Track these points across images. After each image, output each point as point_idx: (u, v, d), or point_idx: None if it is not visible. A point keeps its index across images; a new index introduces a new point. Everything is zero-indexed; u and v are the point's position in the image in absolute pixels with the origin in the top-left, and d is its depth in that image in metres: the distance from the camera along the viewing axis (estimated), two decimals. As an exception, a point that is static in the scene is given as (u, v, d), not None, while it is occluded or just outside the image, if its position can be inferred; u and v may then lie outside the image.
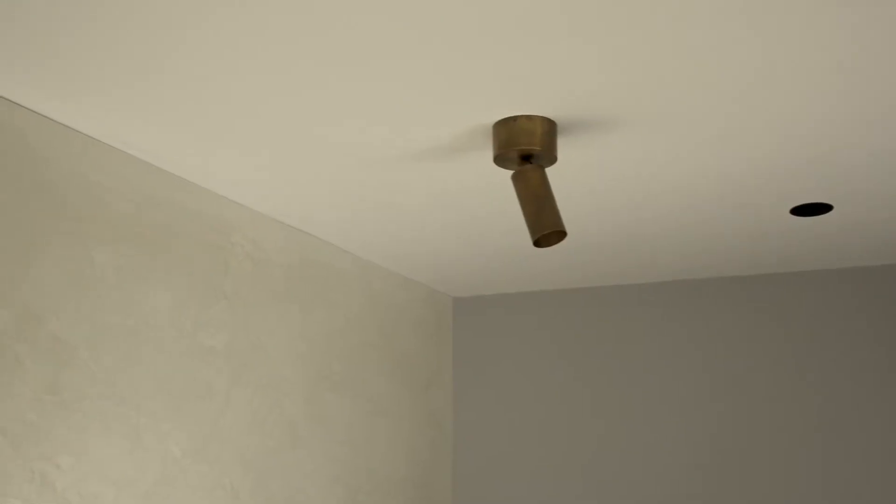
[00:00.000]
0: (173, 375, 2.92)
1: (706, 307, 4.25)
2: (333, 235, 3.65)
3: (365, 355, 3.88)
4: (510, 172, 2.95)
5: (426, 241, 3.73)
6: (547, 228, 2.58)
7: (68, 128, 2.66)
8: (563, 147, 2.74)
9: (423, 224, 3.51)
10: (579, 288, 4.46)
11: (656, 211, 3.30)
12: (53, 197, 2.60)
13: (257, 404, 3.26)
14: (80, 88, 2.45)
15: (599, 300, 4.42)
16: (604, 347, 4.38)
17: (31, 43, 2.22)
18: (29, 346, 2.48)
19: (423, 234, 3.63)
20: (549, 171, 2.92)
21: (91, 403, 2.64)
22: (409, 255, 3.93)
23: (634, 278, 4.27)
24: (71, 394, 2.58)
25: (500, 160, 2.61)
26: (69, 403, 2.57)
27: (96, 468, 2.64)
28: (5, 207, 2.47)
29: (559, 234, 2.64)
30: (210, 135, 2.72)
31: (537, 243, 2.63)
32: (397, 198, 3.23)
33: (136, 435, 2.77)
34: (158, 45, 2.21)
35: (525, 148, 2.55)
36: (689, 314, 4.27)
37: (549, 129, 2.57)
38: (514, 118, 2.55)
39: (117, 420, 2.71)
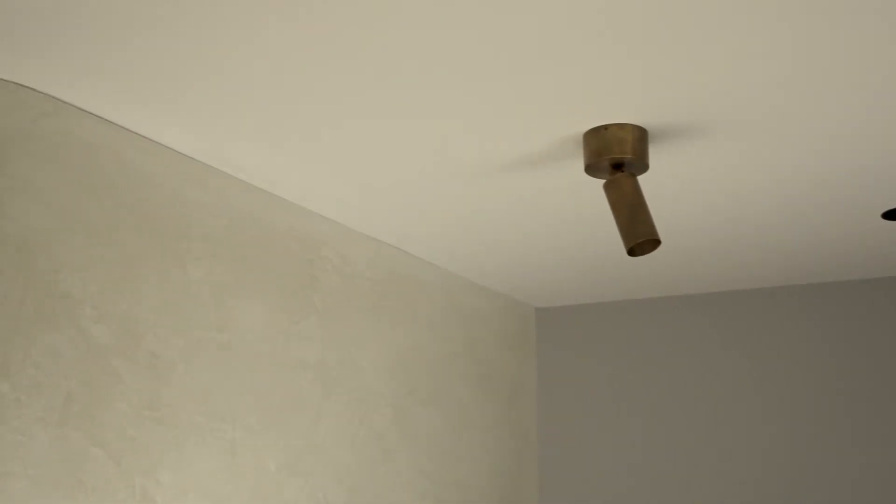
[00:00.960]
0: (267, 390, 2.94)
1: (797, 314, 4.19)
2: (419, 248, 3.66)
3: (450, 367, 3.88)
4: (600, 181, 2.94)
5: (510, 252, 3.73)
6: (641, 237, 2.56)
7: (164, 146, 2.69)
8: (655, 154, 2.72)
9: (508, 235, 3.50)
10: (665, 297, 4.42)
11: (747, 217, 3.26)
12: (150, 214, 2.63)
13: (348, 417, 3.27)
14: (175, 108, 2.47)
15: (687, 309, 4.37)
16: (691, 357, 4.34)
17: (128, 64, 2.24)
18: (128, 361, 2.51)
19: (508, 244, 3.62)
20: (641, 178, 2.90)
21: (188, 418, 2.66)
22: (492, 266, 3.93)
23: (724, 286, 4.22)
24: (169, 409, 2.61)
25: (591, 169, 2.60)
26: (167, 419, 2.60)
27: (194, 483, 2.66)
28: (104, 225, 2.50)
29: (653, 243, 2.62)
30: (300, 151, 2.74)
31: (631, 252, 2.62)
32: (484, 209, 3.23)
33: (231, 449, 2.79)
34: (252, 65, 2.23)
35: (617, 156, 2.53)
36: (780, 322, 4.22)
37: (641, 136, 2.56)
38: (605, 127, 2.54)
39: (213, 435, 2.73)
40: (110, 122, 2.54)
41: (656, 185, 2.95)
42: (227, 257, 2.86)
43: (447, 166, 2.85)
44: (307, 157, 2.79)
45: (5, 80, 2.34)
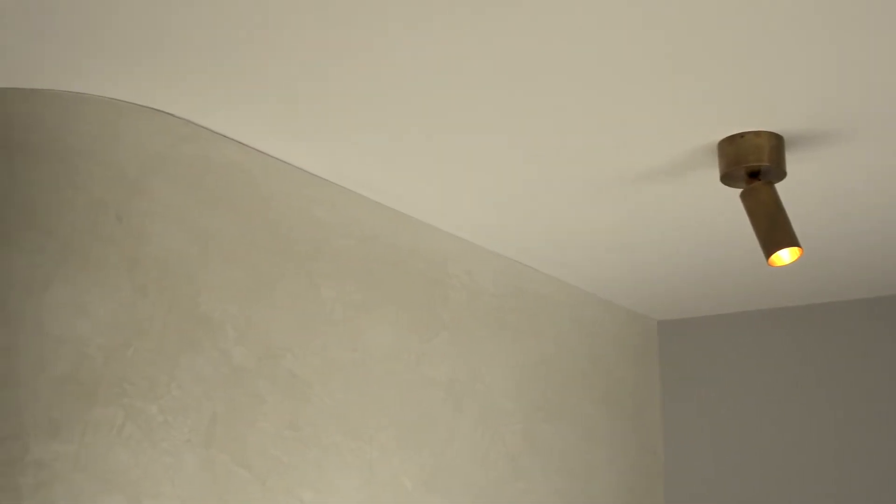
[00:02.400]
0: (401, 408, 2.94)
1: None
2: (542, 262, 3.63)
3: (576, 383, 3.84)
4: (734, 190, 2.89)
5: (633, 264, 3.68)
6: (782, 245, 2.53)
7: (295, 167, 2.71)
8: (792, 161, 2.67)
9: (633, 247, 3.46)
10: (794, 307, 4.32)
11: (887, 224, 3.18)
12: (283, 235, 2.65)
13: (479, 435, 3.25)
14: (305, 129, 2.50)
15: (817, 319, 4.27)
16: (822, 368, 4.23)
17: (259, 87, 2.27)
18: (269, 382, 2.53)
19: (632, 256, 3.58)
20: (778, 186, 2.85)
21: (328, 438, 2.67)
22: (614, 279, 3.88)
23: (859, 294, 4.11)
24: (309, 429, 2.62)
25: (727, 178, 2.56)
26: (308, 438, 2.61)
27: (336, 502, 2.66)
28: (241, 247, 2.52)
29: (795, 252, 2.59)
30: (426, 169, 2.74)
31: (771, 261, 2.58)
32: (609, 222, 3.19)
33: (369, 468, 2.79)
34: (377, 83, 2.24)
35: (753, 165, 2.50)
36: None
37: (777, 144, 2.51)
38: (741, 135, 2.49)
39: (352, 454, 2.74)
40: (244, 144, 2.57)
41: (795, 193, 2.89)
42: (358, 276, 2.87)
43: (574, 179, 2.83)
44: (432, 174, 2.79)
45: (145, 107, 2.38)
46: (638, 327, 4.38)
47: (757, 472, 4.30)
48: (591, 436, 3.88)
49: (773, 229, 2.53)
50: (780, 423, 4.28)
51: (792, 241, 2.53)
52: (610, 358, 4.10)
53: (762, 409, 4.32)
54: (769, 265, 2.62)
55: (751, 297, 4.17)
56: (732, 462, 4.34)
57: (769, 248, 2.54)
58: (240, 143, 2.56)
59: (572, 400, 3.79)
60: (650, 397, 4.39)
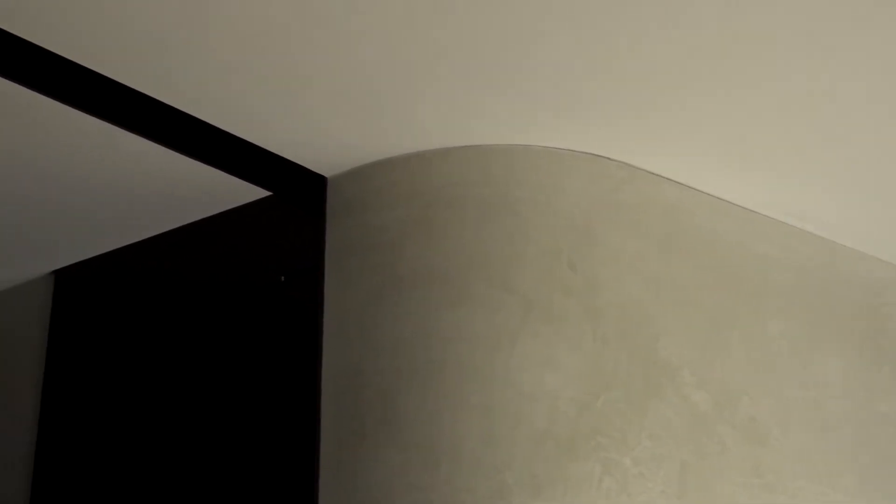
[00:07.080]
0: (856, 447, 2.75)
1: None
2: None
3: None
4: None
5: None
6: None
7: (730, 203, 2.61)
8: None
9: None
10: None
11: None
12: (729, 274, 2.54)
13: (935, 473, 3.02)
14: (739, 164, 2.42)
15: None
16: None
17: (688, 125, 2.22)
18: (729, 427, 2.41)
19: None
20: None
21: (791, 483, 2.52)
22: None
23: None
24: (773, 475, 2.48)
25: None
26: (773, 485, 2.47)
27: (807, 552, 2.51)
28: (690, 287, 2.44)
29: None
30: (858, 194, 2.59)
31: None
32: None
33: (834, 513, 2.62)
34: (803, 114, 2.14)
35: None
36: None
37: None
38: None
39: (816, 498, 2.57)
40: (682, 184, 2.49)
41: None
42: (799, 311, 2.72)
43: None
44: (865, 200, 2.64)
45: (583, 153, 2.35)
46: None
47: None
48: None
49: None
50: None
51: None
52: None
53: None
54: None
55: None
56: None
57: None
58: (677, 182, 2.48)
59: None
60: None
